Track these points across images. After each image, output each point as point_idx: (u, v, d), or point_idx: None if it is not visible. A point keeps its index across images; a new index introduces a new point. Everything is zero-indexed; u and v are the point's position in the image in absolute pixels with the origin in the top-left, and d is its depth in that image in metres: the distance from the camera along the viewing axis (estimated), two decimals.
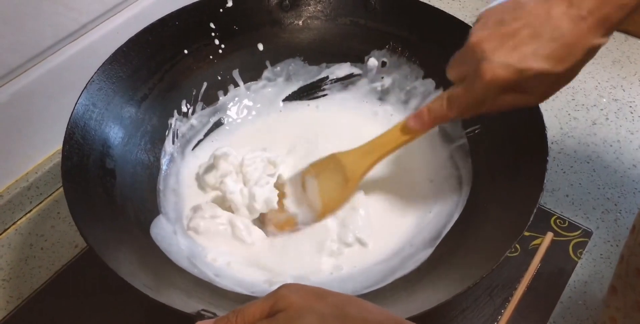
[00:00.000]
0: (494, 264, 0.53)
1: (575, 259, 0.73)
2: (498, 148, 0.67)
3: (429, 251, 0.63)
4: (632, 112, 0.90)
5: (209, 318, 0.43)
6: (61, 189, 0.84)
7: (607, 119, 0.89)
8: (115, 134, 0.69)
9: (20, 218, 0.81)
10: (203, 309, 0.52)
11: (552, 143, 0.86)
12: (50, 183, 0.83)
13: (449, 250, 0.63)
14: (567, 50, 0.47)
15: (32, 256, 0.77)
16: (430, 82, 0.77)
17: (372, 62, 0.80)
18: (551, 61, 0.47)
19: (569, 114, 0.90)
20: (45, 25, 0.72)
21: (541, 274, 0.72)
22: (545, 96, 0.52)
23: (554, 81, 0.49)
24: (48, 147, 0.83)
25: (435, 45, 0.74)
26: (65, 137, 0.63)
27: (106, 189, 0.64)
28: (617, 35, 1.02)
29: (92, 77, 0.67)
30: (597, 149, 0.86)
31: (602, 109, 0.91)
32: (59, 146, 0.83)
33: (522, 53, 0.47)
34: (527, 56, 0.47)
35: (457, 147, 0.72)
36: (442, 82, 0.75)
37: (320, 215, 0.67)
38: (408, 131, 0.61)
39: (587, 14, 0.46)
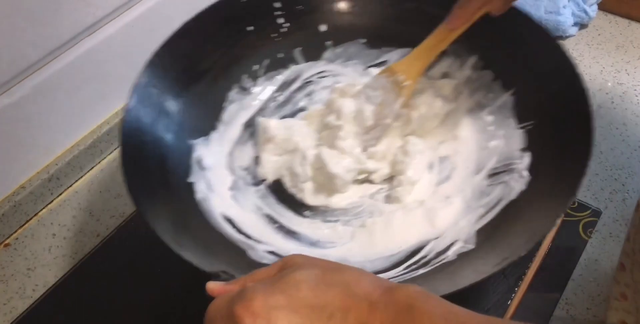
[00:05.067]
0: (530, 246, 0.54)
1: (586, 238, 0.75)
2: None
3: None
4: (636, 96, 0.92)
5: (225, 279, 0.45)
6: (81, 180, 0.86)
7: (613, 102, 0.91)
8: (174, 101, 0.71)
9: (41, 209, 0.83)
10: (223, 271, 0.54)
11: None
12: (70, 175, 0.84)
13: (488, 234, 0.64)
14: None
15: (55, 245, 0.79)
16: (488, 74, 0.76)
17: None
18: None
19: None
20: (64, 20, 0.74)
21: (553, 253, 0.73)
22: None
23: None
24: (68, 140, 0.84)
25: (498, 38, 0.73)
26: (129, 101, 0.65)
27: (161, 152, 0.67)
28: (620, 21, 1.04)
29: (157, 49, 0.69)
30: (603, 132, 0.87)
31: (607, 93, 0.93)
32: (78, 138, 0.85)
33: None
34: None
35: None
36: (501, 75, 0.75)
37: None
38: (451, 27, 0.67)
39: None
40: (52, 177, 0.83)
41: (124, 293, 0.73)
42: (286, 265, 0.42)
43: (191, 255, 0.55)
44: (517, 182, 0.65)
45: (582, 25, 1.03)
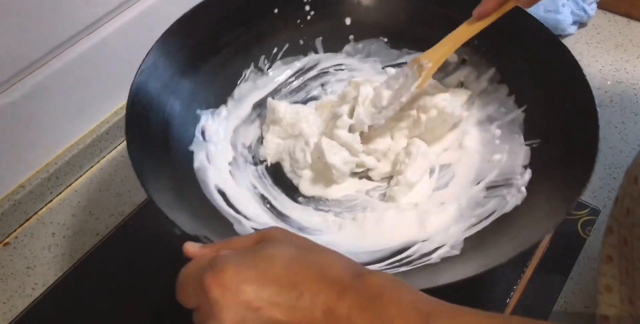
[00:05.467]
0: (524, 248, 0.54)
1: (584, 236, 0.75)
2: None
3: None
4: (635, 94, 0.92)
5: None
6: (80, 179, 0.86)
7: (612, 101, 0.91)
8: (189, 70, 0.73)
9: (41, 208, 0.83)
10: (205, 236, 0.54)
11: None
12: (70, 173, 0.84)
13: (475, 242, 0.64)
14: None
15: (55, 244, 0.79)
16: (504, 88, 0.75)
17: (452, 57, 0.79)
18: None
19: None
20: (63, 19, 0.74)
21: (551, 251, 0.73)
22: None
23: None
24: (67, 139, 0.84)
25: (519, 53, 0.73)
26: (144, 60, 0.66)
27: (167, 117, 0.68)
28: (619, 20, 1.04)
29: (180, 17, 0.70)
30: (602, 130, 0.85)
31: (606, 92, 0.93)
32: (77, 137, 0.85)
33: None
34: None
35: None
36: (515, 90, 0.74)
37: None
38: (477, 16, 0.67)
39: None
40: (52, 176, 0.83)
41: (123, 291, 0.73)
42: (264, 238, 0.42)
43: (179, 218, 0.56)
44: (514, 197, 0.65)
45: (581, 24, 1.03)
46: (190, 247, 0.44)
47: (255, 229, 0.66)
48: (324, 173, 0.71)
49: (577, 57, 0.96)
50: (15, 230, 0.81)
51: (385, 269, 0.63)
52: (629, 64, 0.96)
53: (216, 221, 0.64)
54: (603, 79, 0.94)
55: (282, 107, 0.74)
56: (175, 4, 0.75)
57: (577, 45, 1.00)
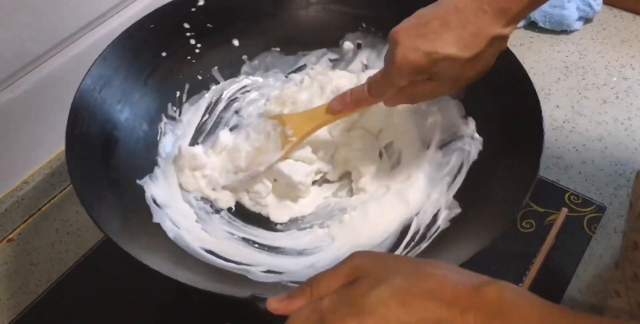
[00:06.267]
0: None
1: (590, 233, 0.74)
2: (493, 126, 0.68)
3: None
4: None
5: (263, 299, 0.42)
6: None
7: (618, 97, 0.91)
8: (108, 141, 0.67)
9: (45, 204, 0.83)
10: (256, 292, 0.51)
11: (563, 122, 0.88)
12: None
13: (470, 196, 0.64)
14: (471, 38, 0.52)
15: (59, 240, 0.79)
16: None
17: (348, 45, 0.80)
18: (456, 47, 0.52)
19: (580, 94, 0.92)
20: (67, 14, 0.74)
21: (557, 248, 0.73)
22: (457, 83, 0.56)
23: (462, 67, 0.53)
24: None
25: None
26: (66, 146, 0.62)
27: (118, 196, 0.64)
28: (625, 15, 1.03)
29: (80, 84, 0.66)
30: (608, 127, 0.87)
31: (612, 88, 0.92)
32: None
33: (431, 39, 0.52)
34: (435, 42, 0.52)
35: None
36: None
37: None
38: (332, 111, 0.64)
39: (487, 7, 0.51)
40: (55, 172, 0.83)
41: (126, 288, 0.73)
42: (357, 272, 0.39)
43: (214, 287, 0.54)
44: (472, 146, 0.67)
45: (586, 20, 1.02)
46: (278, 304, 0.41)
47: (265, 272, 0.63)
48: (288, 192, 0.71)
49: (583, 53, 0.97)
50: (18, 226, 0.81)
51: (407, 253, 0.62)
52: (634, 59, 0.96)
53: (231, 278, 0.61)
54: (609, 75, 0.94)
55: (226, 136, 0.74)
56: None
57: (583, 41, 1.00)
